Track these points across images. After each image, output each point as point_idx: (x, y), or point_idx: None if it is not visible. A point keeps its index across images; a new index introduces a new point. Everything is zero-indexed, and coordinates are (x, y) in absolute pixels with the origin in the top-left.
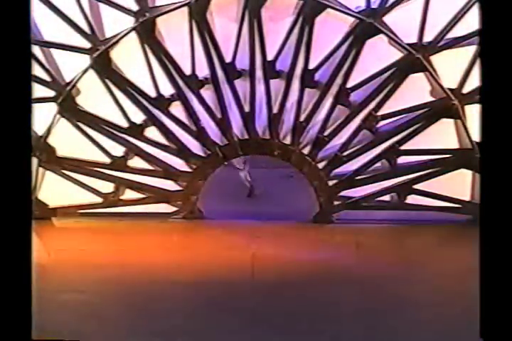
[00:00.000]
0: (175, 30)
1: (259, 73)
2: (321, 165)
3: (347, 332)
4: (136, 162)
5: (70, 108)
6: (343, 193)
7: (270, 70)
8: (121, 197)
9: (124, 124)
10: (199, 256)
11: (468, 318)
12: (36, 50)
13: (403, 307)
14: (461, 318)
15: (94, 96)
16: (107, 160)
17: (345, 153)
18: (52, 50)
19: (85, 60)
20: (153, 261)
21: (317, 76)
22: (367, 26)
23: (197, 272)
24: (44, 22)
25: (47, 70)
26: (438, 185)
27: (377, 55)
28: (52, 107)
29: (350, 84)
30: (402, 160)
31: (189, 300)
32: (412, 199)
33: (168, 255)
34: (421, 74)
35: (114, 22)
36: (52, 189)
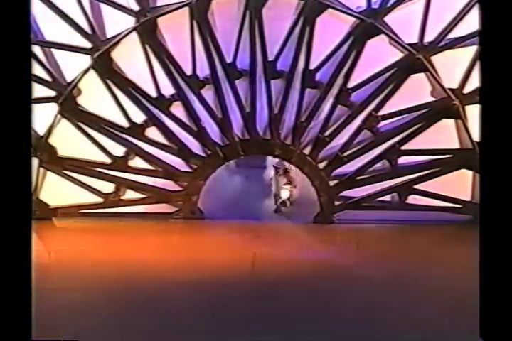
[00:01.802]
0: (176, 30)
1: (259, 73)
2: (321, 165)
3: (348, 331)
4: (136, 162)
5: (70, 108)
6: (344, 193)
7: (271, 70)
8: (122, 197)
9: (125, 124)
10: (199, 255)
11: (468, 318)
12: (37, 50)
13: (403, 306)
14: (461, 318)
15: (95, 96)
16: (108, 160)
17: (346, 154)
18: (54, 50)
19: (86, 60)
20: (154, 260)
21: (318, 76)
22: (368, 26)
23: (197, 272)
24: (45, 22)
25: (48, 70)
26: (439, 185)
27: (378, 55)
28: (54, 107)
29: (351, 84)
30: (403, 160)
31: (189, 299)
32: (412, 199)
33: (169, 255)
34: (422, 75)
35: (116, 22)
36: (53, 189)
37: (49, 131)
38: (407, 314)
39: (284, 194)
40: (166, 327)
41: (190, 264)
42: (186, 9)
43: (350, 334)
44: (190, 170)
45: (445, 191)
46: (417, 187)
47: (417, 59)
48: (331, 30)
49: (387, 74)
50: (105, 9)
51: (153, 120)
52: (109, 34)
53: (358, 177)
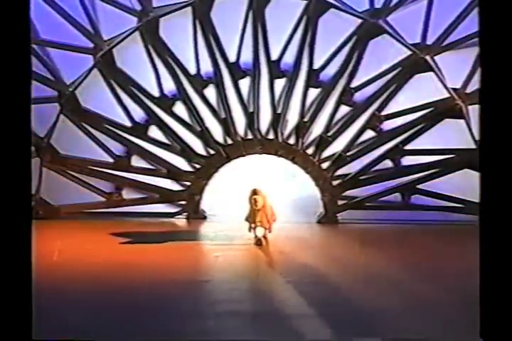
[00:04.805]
0: (178, 30)
1: (263, 73)
2: (325, 165)
3: (347, 331)
4: (139, 162)
5: (73, 108)
6: (347, 193)
7: (274, 70)
8: (125, 197)
9: (128, 124)
10: (201, 255)
11: (468, 318)
12: (39, 49)
13: (405, 306)
14: (461, 318)
15: (97, 95)
16: (110, 160)
17: (349, 153)
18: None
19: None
20: (156, 260)
21: (321, 76)
22: (370, 26)
23: (199, 271)
24: (47, 22)
25: (50, 70)
26: (442, 185)
27: (381, 55)
28: (56, 107)
29: (354, 84)
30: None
31: (191, 299)
32: (415, 199)
33: (171, 254)
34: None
35: (117, 22)
36: (56, 189)
37: (51, 131)
38: (407, 313)
39: (259, 232)
40: (167, 326)
41: (192, 263)
42: (189, 9)
43: (349, 333)
44: (192, 170)
45: (451, 191)
46: (420, 186)
47: (420, 59)
48: (334, 29)
49: (390, 74)
50: (106, 9)
51: (155, 119)
52: (108, 34)
53: (361, 177)
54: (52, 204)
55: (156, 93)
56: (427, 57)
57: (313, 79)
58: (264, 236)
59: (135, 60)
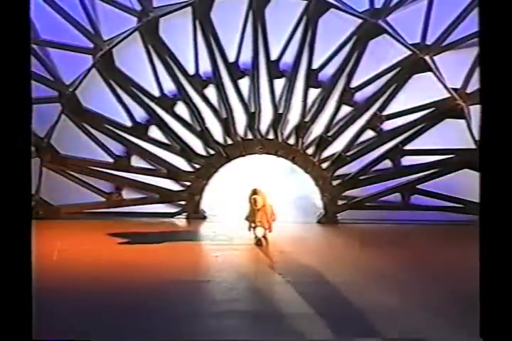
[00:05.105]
0: (178, 30)
1: (262, 73)
2: (325, 165)
3: (347, 331)
4: (139, 162)
5: (73, 108)
6: (347, 193)
7: (273, 70)
8: (125, 197)
9: (128, 124)
10: (201, 255)
11: (468, 318)
12: (39, 49)
13: (405, 305)
14: (461, 318)
15: (97, 96)
16: (111, 160)
17: (349, 153)
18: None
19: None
20: (155, 260)
21: (320, 76)
22: (370, 26)
23: (199, 271)
24: (47, 22)
25: (50, 70)
26: (442, 185)
27: (381, 55)
28: (56, 107)
29: (354, 84)
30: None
31: (191, 299)
32: (415, 199)
33: (170, 254)
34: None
35: (117, 22)
36: (56, 189)
37: (51, 131)
38: (406, 313)
39: (259, 232)
40: (168, 326)
41: (192, 263)
42: (189, 9)
43: (349, 333)
44: (192, 170)
45: (452, 191)
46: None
47: (419, 59)
48: (334, 29)
49: (390, 74)
50: (105, 9)
51: (156, 119)
52: (108, 34)
53: (361, 177)
54: (52, 204)
55: (156, 93)
56: (427, 58)
57: (312, 79)
58: (264, 236)
59: (135, 60)
